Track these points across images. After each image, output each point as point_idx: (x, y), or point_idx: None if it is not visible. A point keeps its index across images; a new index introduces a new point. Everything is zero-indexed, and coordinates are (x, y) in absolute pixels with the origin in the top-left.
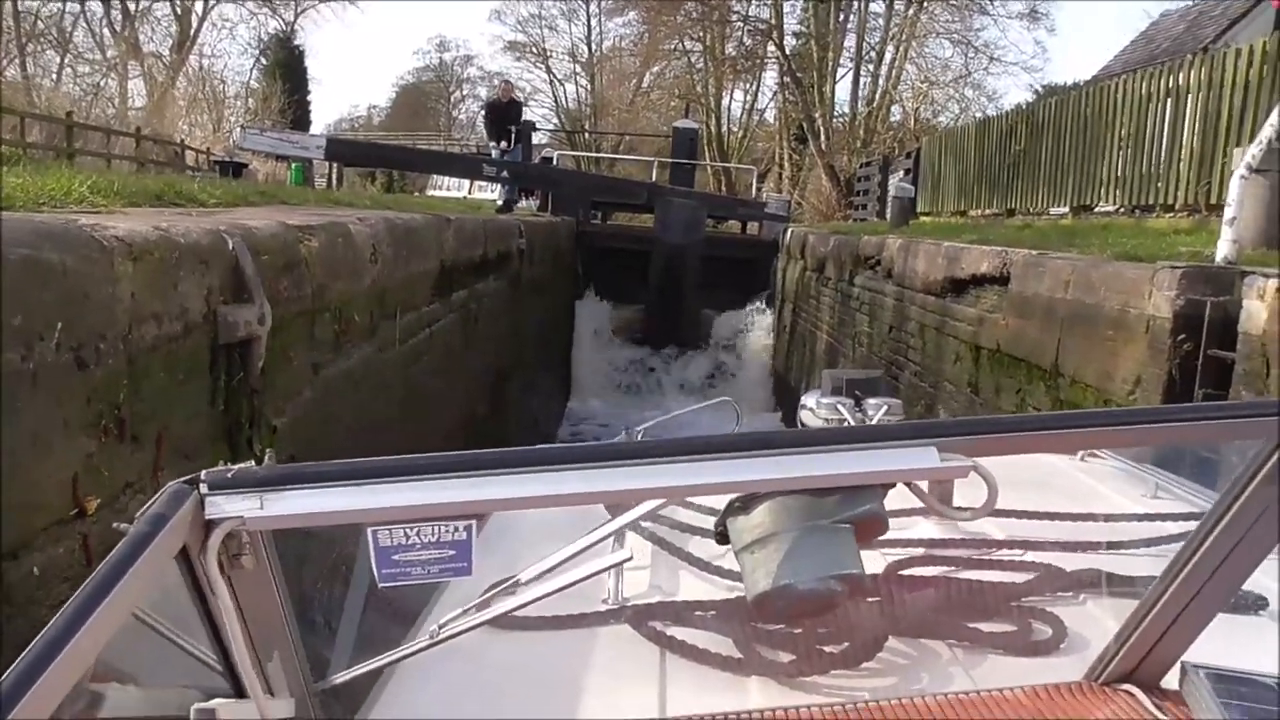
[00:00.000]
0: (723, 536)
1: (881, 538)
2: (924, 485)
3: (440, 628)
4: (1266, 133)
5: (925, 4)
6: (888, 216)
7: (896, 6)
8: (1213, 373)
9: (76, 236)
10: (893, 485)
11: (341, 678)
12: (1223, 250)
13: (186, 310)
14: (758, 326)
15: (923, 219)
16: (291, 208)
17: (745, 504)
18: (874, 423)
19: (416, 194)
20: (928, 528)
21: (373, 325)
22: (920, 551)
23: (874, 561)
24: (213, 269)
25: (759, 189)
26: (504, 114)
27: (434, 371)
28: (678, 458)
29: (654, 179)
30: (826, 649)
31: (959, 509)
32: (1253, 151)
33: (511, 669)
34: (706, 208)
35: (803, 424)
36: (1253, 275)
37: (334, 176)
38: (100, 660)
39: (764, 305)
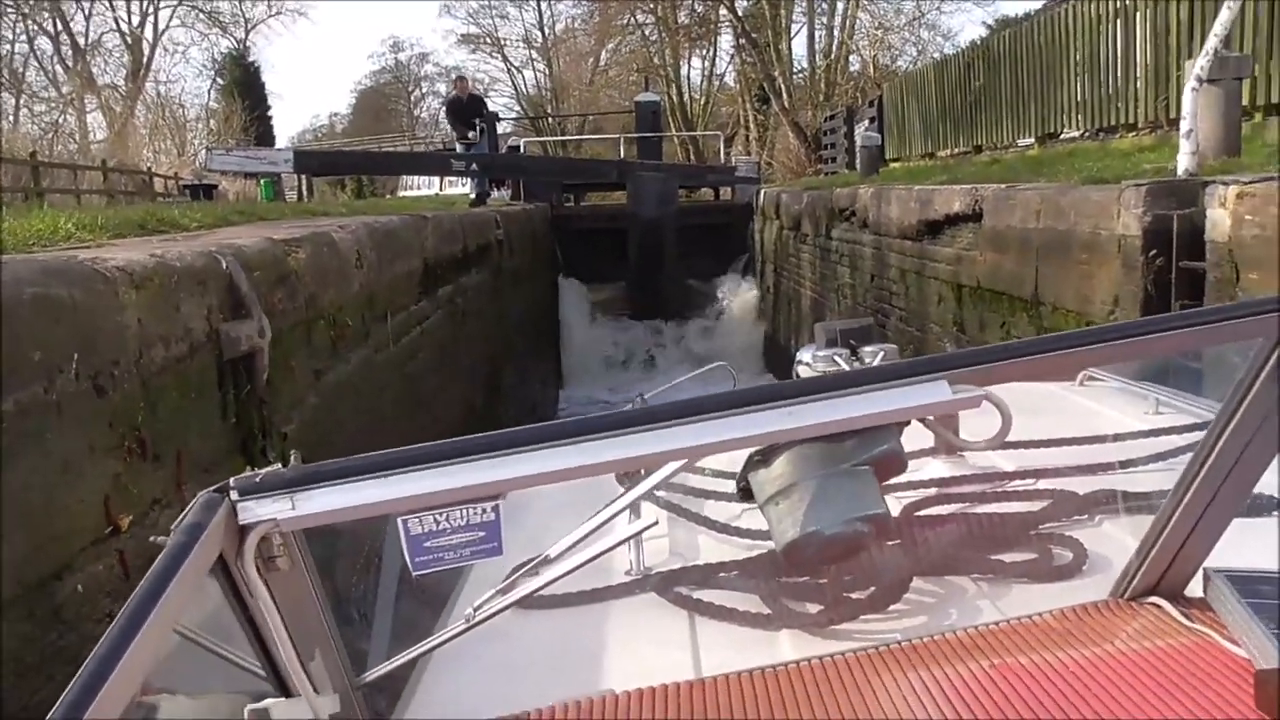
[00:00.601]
0: (745, 492)
1: (894, 481)
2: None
3: (475, 610)
4: (1212, 43)
5: None
6: (858, 167)
7: None
8: (1186, 284)
9: (80, 271)
10: (908, 423)
11: (382, 669)
12: (1183, 164)
13: (190, 330)
14: (741, 290)
15: (892, 165)
16: (272, 223)
17: (765, 457)
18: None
19: (388, 196)
20: (938, 467)
21: (366, 328)
22: (934, 491)
23: (889, 505)
24: (210, 289)
25: (727, 153)
26: (465, 110)
27: (429, 368)
28: (693, 418)
29: (622, 156)
30: (853, 596)
31: (973, 441)
32: (1201, 63)
33: (542, 647)
34: (677, 178)
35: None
36: (1213, 184)
37: (304, 188)
38: (147, 675)
39: (745, 269)
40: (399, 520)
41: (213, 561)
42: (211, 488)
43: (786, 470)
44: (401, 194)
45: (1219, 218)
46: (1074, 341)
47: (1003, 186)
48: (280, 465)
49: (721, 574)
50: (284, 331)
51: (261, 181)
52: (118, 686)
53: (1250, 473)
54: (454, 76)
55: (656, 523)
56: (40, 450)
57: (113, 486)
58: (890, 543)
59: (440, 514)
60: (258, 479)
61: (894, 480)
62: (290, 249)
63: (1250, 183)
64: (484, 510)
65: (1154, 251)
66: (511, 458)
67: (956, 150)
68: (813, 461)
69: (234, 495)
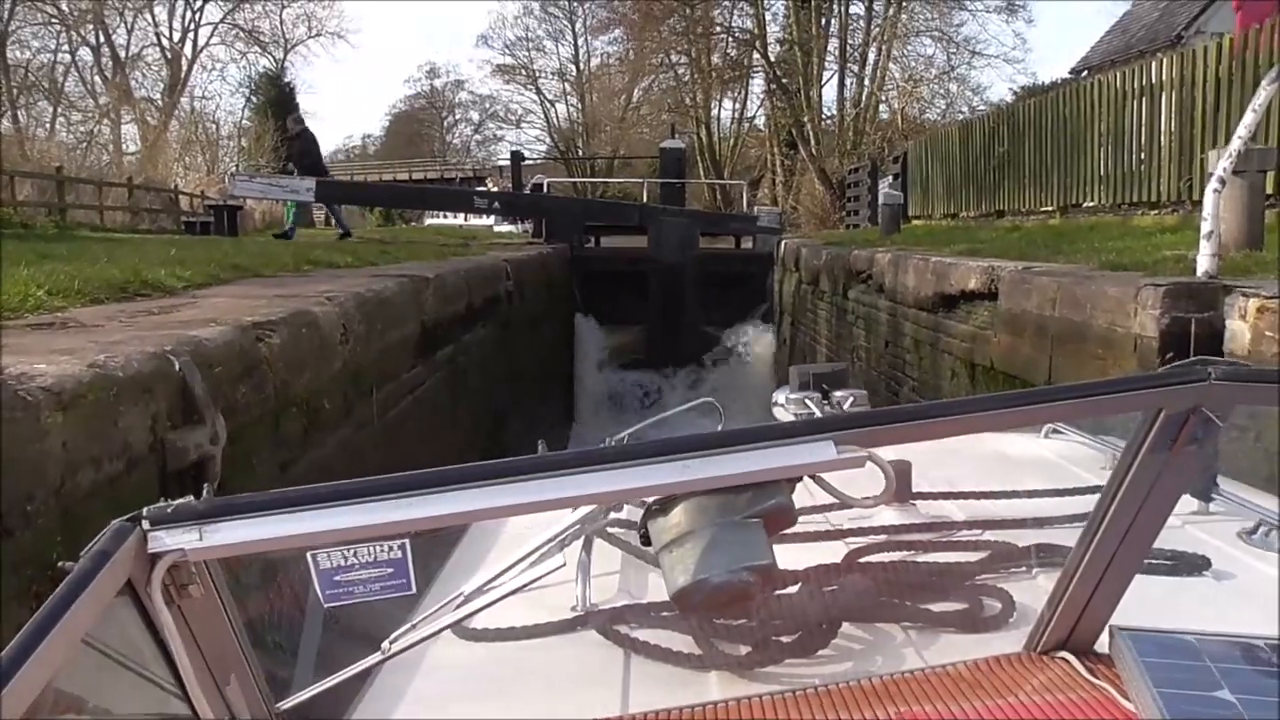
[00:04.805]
0: (645, 538)
1: (843, 526)
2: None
3: (391, 643)
4: (1235, 145)
5: (904, 3)
6: (880, 222)
7: (876, 8)
8: None
9: None
10: (799, 479)
11: (302, 696)
12: (1203, 265)
13: (129, 445)
14: (759, 341)
15: (914, 223)
16: (266, 281)
17: (663, 506)
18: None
19: (413, 223)
20: (889, 514)
21: (347, 407)
22: (882, 538)
23: (834, 551)
24: (158, 396)
25: (753, 196)
26: (296, 146)
27: (420, 436)
28: (590, 468)
29: (645, 199)
30: (782, 639)
31: (865, 498)
32: (1224, 165)
33: (480, 680)
34: (699, 225)
35: (776, 420)
36: (1234, 294)
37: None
38: (60, 693)
39: (763, 320)
40: (309, 555)
41: (119, 587)
42: (124, 516)
43: (682, 520)
44: (428, 220)
45: (1239, 330)
46: (958, 409)
47: (1019, 268)
48: (194, 498)
49: (664, 613)
50: (246, 427)
51: (288, 204)
52: (11, 700)
53: (1145, 533)
54: (291, 119)
55: (564, 564)
56: None
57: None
58: (826, 589)
59: (349, 550)
60: (169, 509)
61: (844, 526)
62: (263, 334)
63: (1271, 297)
64: (390, 548)
65: (1171, 355)
66: (416, 499)
67: (978, 213)
68: (707, 512)
69: (145, 525)
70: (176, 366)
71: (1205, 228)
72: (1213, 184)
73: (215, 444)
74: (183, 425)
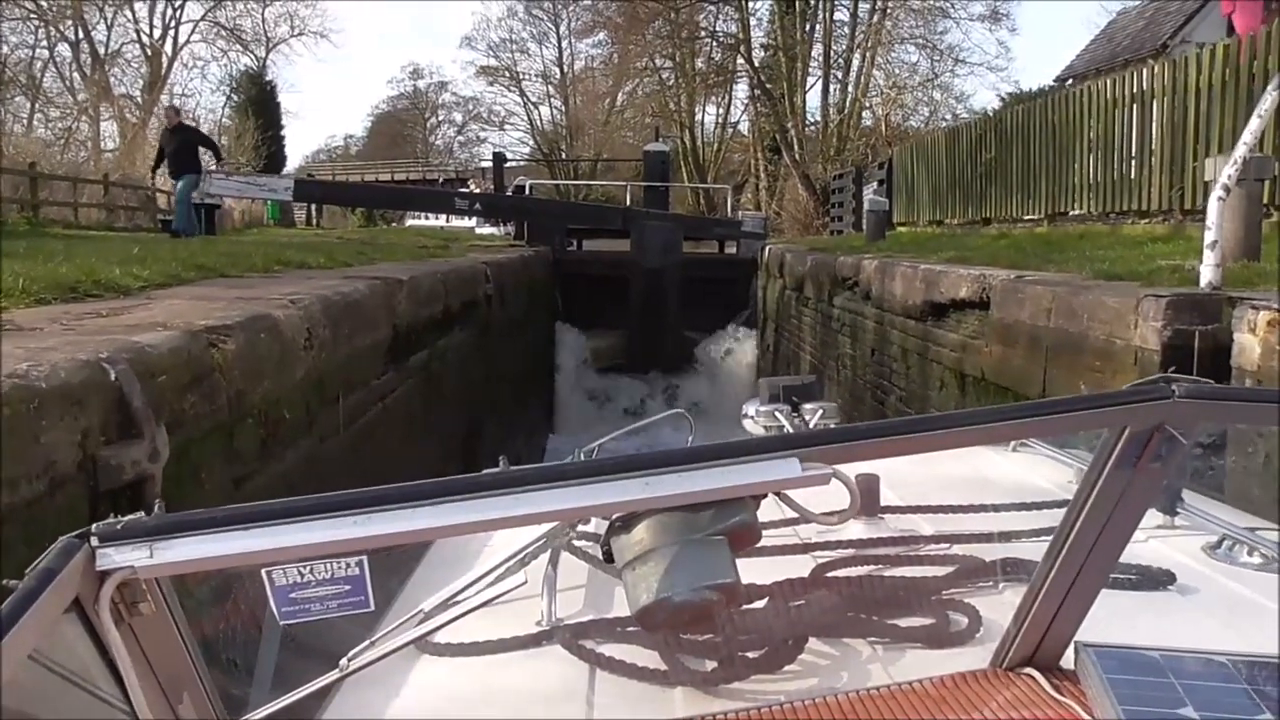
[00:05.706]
0: (608, 555)
1: (811, 540)
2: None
3: (350, 660)
4: (1240, 151)
5: (889, 11)
6: (864, 228)
7: (860, 14)
8: None
9: None
10: (764, 496)
11: (259, 714)
12: (1206, 275)
13: (53, 464)
14: (742, 347)
15: (900, 229)
16: (230, 282)
17: (626, 523)
18: (811, 426)
19: (394, 224)
20: (857, 529)
21: (310, 417)
22: (851, 553)
23: (801, 565)
24: (89, 408)
25: (737, 201)
26: (173, 142)
27: (390, 445)
28: (551, 484)
29: (628, 202)
30: (749, 655)
31: (829, 514)
32: (1229, 172)
33: (443, 696)
34: (682, 229)
35: (746, 432)
36: (1242, 305)
37: (313, 210)
38: (6, 710)
39: (746, 325)
40: (264, 572)
41: (67, 605)
42: (72, 533)
43: (645, 537)
44: (409, 222)
45: (1247, 344)
46: (925, 426)
47: (1011, 276)
48: (144, 514)
49: (629, 628)
50: (195, 440)
51: (268, 202)
52: None
53: (1111, 549)
54: (165, 109)
55: (525, 581)
56: None
57: None
58: (793, 603)
59: (305, 567)
60: (119, 526)
61: (812, 540)
62: (216, 339)
63: None
64: (348, 565)
65: (1174, 368)
66: (375, 515)
67: (964, 220)
68: (671, 530)
69: (94, 541)
70: (112, 375)
71: (1209, 237)
72: (1217, 192)
73: (155, 460)
74: (118, 440)
